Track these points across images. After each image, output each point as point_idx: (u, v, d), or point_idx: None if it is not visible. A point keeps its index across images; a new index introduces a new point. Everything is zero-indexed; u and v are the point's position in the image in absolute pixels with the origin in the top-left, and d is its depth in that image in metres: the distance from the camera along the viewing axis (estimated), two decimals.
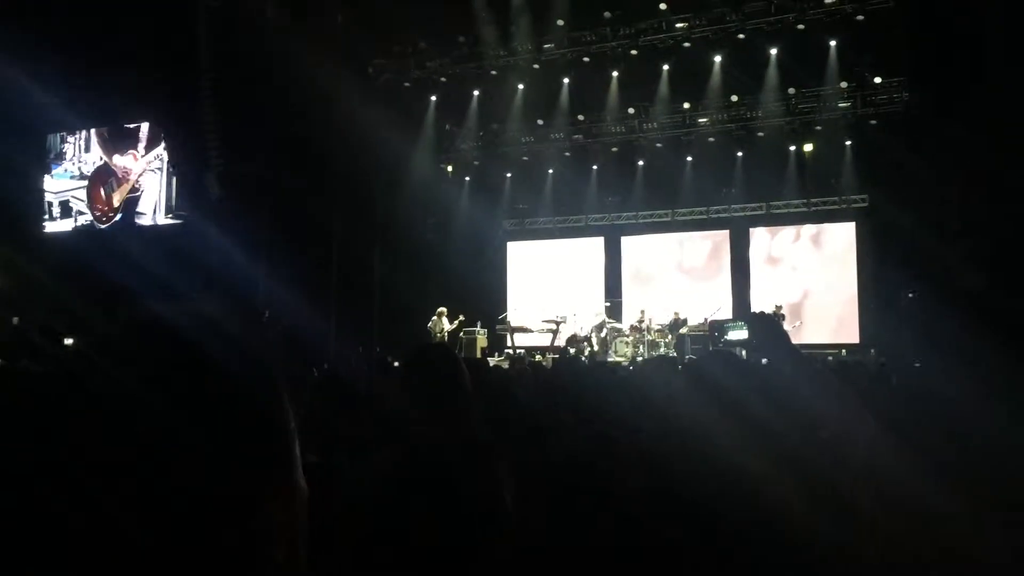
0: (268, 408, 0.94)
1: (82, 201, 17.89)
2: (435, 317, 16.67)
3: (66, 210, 17.92)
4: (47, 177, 18.23)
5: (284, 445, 0.95)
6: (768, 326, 3.01)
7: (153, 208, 17.25)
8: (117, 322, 0.97)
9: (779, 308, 15.73)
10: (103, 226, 17.51)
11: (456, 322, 16.73)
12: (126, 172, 17.58)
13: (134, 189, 17.45)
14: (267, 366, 0.97)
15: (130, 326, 0.96)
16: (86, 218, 17.76)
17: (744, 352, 10.60)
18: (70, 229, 17.84)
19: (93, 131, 18.02)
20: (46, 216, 18.08)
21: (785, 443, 2.25)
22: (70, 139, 18.33)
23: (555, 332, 16.93)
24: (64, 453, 0.86)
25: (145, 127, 17.52)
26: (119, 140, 17.82)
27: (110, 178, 17.75)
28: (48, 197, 18.18)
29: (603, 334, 16.69)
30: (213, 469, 0.87)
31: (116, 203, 17.60)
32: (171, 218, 16.79)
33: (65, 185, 18.07)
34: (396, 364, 7.41)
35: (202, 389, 0.89)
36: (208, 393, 0.90)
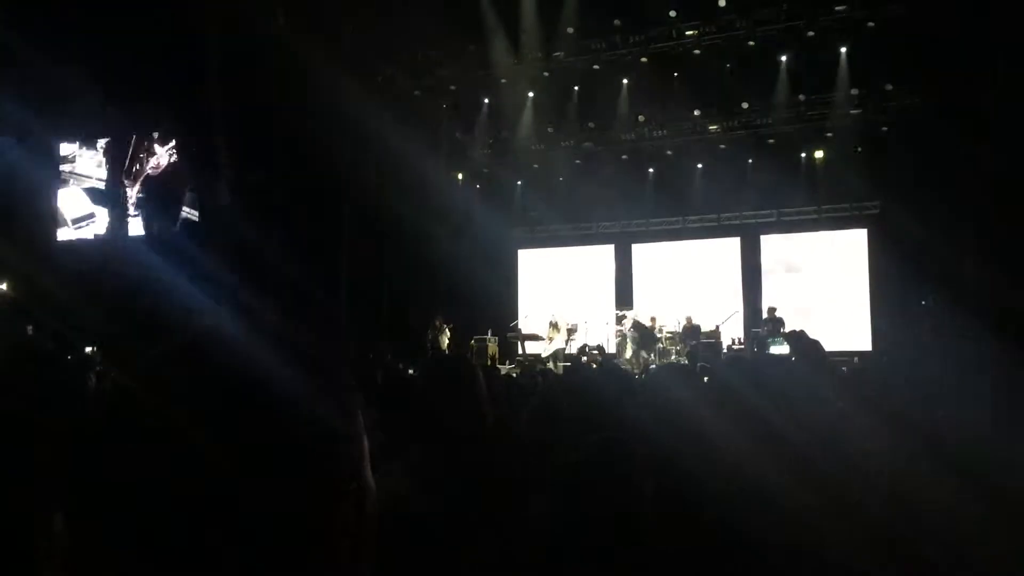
0: (334, 415, 0.95)
1: (90, 209, 17.94)
2: (434, 327, 16.77)
3: (78, 219, 17.95)
4: (58, 186, 18.28)
5: (353, 448, 0.97)
6: (808, 345, 3.01)
7: (160, 216, 17.30)
8: (182, 335, 0.97)
9: (773, 311, 15.64)
10: (112, 235, 17.52)
11: (449, 329, 16.85)
12: (135, 178, 17.63)
13: (142, 196, 17.49)
14: (334, 375, 0.98)
15: (192, 342, 0.97)
16: (98, 228, 17.79)
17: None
18: (82, 238, 17.88)
19: (103, 140, 18.06)
20: (58, 225, 18.12)
21: (801, 451, 2.23)
22: (80, 147, 18.39)
23: (566, 340, 16.93)
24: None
25: (154, 136, 17.59)
26: (128, 148, 17.86)
27: (119, 186, 17.79)
28: (59, 206, 18.22)
29: (617, 342, 16.67)
30: (285, 474, 0.88)
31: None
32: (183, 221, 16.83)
33: (75, 194, 18.11)
34: (410, 372, 7.42)
35: (267, 399, 0.90)
36: (274, 403, 0.90)
